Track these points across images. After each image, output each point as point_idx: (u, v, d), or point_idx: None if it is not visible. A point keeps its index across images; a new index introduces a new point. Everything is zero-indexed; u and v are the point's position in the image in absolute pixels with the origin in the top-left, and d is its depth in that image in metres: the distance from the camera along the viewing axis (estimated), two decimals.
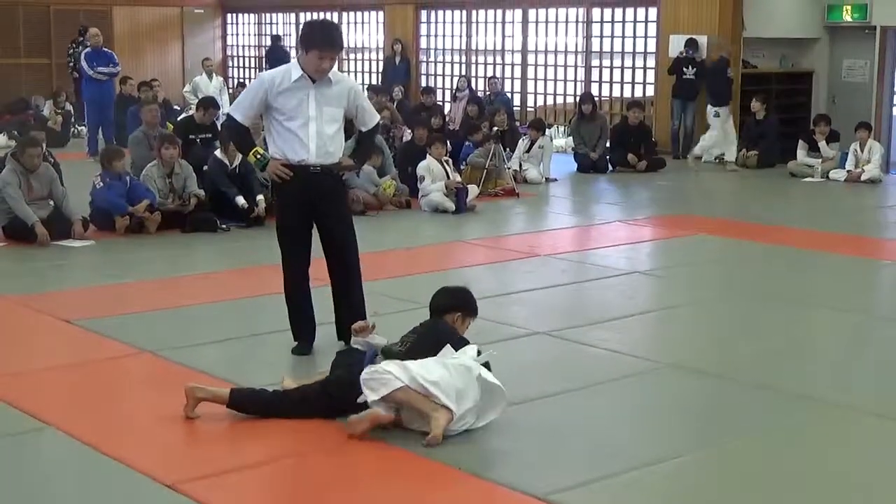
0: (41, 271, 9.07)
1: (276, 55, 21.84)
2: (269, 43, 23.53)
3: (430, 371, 5.12)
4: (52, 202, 10.29)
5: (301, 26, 6.37)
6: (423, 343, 5.44)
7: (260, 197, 10.96)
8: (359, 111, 6.50)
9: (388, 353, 5.52)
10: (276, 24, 24.80)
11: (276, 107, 6.24)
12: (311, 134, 6.24)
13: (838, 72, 18.29)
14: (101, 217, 10.50)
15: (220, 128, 13.45)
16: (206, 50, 24.20)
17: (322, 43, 6.17)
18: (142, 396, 6.10)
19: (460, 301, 5.69)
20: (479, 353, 5.32)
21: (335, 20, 23.07)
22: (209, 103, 13.19)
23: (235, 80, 24.06)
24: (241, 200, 10.81)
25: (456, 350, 5.30)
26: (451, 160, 12.57)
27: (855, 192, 13.92)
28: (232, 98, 20.04)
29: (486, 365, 5.28)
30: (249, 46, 25.45)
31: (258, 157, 6.40)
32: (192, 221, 10.64)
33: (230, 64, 25.76)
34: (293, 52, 23.34)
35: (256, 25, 25.23)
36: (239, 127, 6.42)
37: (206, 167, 11.23)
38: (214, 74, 21.08)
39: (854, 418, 5.56)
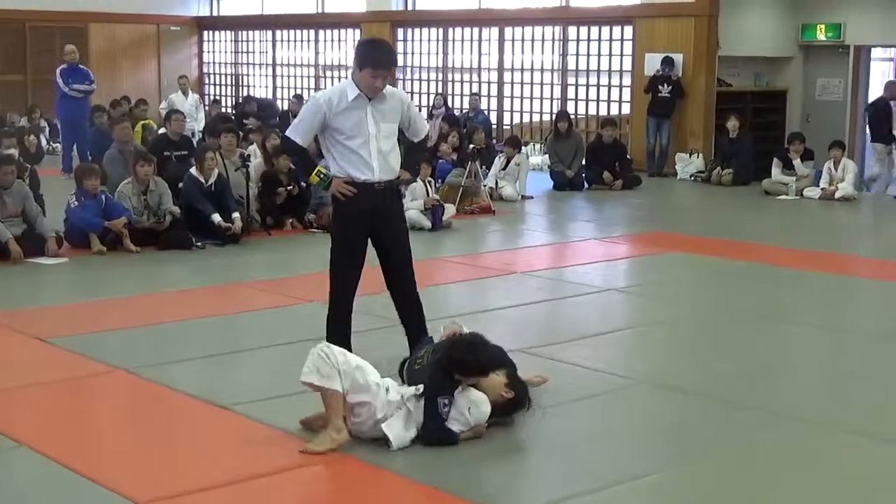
0: (14, 289, 9.02)
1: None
2: (239, 61, 23.54)
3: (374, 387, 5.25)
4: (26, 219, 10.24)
5: (356, 44, 6.42)
6: (424, 377, 5.45)
7: (236, 214, 10.95)
8: (411, 123, 6.54)
9: (410, 364, 5.76)
10: (253, 41, 24.80)
11: (336, 127, 6.24)
12: (372, 152, 6.26)
13: (812, 90, 18.43)
14: (75, 235, 10.46)
15: (195, 145, 13.47)
16: (183, 67, 24.14)
17: (375, 61, 6.19)
18: (116, 414, 6.08)
19: (482, 373, 5.46)
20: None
21: (311, 38, 23.16)
22: (171, 112, 13.62)
23: (210, 98, 24.01)
24: (216, 218, 10.78)
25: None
26: (431, 181, 12.57)
27: (829, 210, 14.00)
28: (208, 115, 20.01)
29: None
30: (226, 64, 25.44)
31: (321, 176, 6.37)
32: (167, 239, 10.60)
33: (206, 81, 25.73)
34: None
35: (233, 43, 25.21)
36: (299, 149, 6.43)
37: (181, 184, 11.20)
38: (190, 92, 21.05)
39: (830, 435, 5.58)
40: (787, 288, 9.36)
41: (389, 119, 6.35)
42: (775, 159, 15.34)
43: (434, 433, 5.23)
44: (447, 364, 5.37)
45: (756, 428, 5.69)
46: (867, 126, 16.16)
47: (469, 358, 5.39)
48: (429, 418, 5.24)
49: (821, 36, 17.91)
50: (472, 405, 5.33)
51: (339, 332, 6.49)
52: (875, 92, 18.64)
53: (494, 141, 17.49)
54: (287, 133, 6.49)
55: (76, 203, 10.45)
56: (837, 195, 14.46)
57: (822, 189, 14.69)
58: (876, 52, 18.78)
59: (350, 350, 6.47)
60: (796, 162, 15.07)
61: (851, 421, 5.76)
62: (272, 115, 17.89)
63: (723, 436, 5.58)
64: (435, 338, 6.15)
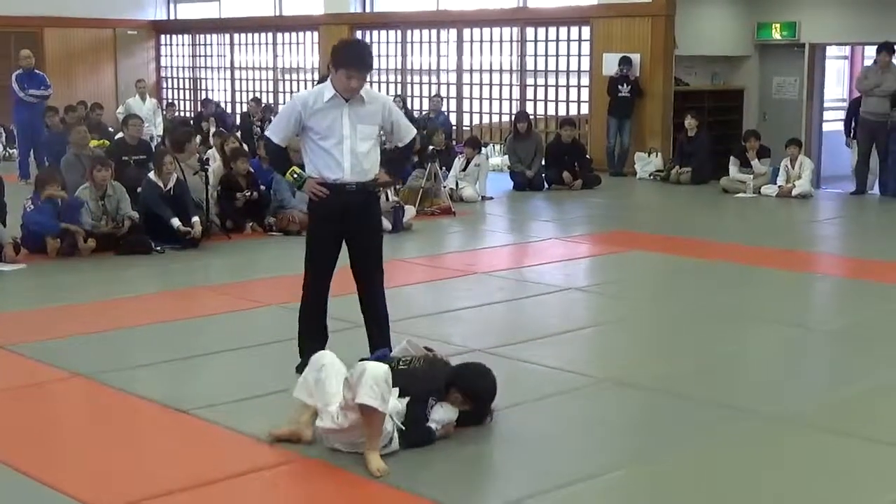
0: None
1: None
2: (197, 64, 23.37)
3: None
4: None
5: (333, 45, 6.45)
6: (413, 378, 5.42)
7: (195, 219, 10.88)
8: (394, 127, 6.53)
9: (388, 364, 5.55)
10: (211, 45, 24.69)
11: (311, 126, 6.28)
12: (344, 152, 6.27)
13: (769, 89, 18.58)
14: (32, 240, 10.37)
15: (153, 149, 13.39)
16: (140, 71, 23.96)
17: (350, 62, 6.20)
18: (76, 420, 6.04)
19: (481, 402, 5.57)
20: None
21: (269, 41, 23.08)
22: (129, 117, 13.47)
23: (165, 102, 23.85)
24: (176, 222, 10.72)
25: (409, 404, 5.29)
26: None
27: (786, 208, 14.11)
28: (166, 120, 19.91)
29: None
30: (183, 68, 25.31)
31: (295, 176, 6.39)
32: (126, 244, 10.54)
33: (164, 85, 25.57)
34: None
35: (190, 47, 25.08)
36: (276, 148, 6.46)
37: (139, 189, 11.12)
38: (148, 96, 20.95)
39: (789, 430, 5.62)
40: (745, 285, 9.43)
41: (367, 122, 6.34)
42: (732, 157, 15.44)
43: (418, 434, 5.23)
44: (455, 381, 5.47)
45: (717, 424, 5.72)
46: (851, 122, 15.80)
47: (481, 384, 5.55)
48: (416, 419, 5.23)
49: (776, 35, 18.06)
50: (445, 407, 5.40)
51: (312, 329, 6.53)
52: (830, 90, 18.87)
53: (454, 142, 17.51)
54: (266, 133, 6.56)
55: (32, 207, 10.37)
56: (794, 192, 14.58)
57: (779, 186, 14.81)
58: (831, 51, 18.97)
59: (325, 347, 6.51)
60: (754, 161, 15.16)
61: (811, 416, 5.81)
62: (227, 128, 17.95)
63: (684, 432, 5.61)
64: (393, 350, 6.08)
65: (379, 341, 6.57)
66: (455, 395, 5.44)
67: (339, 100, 6.24)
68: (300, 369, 6.45)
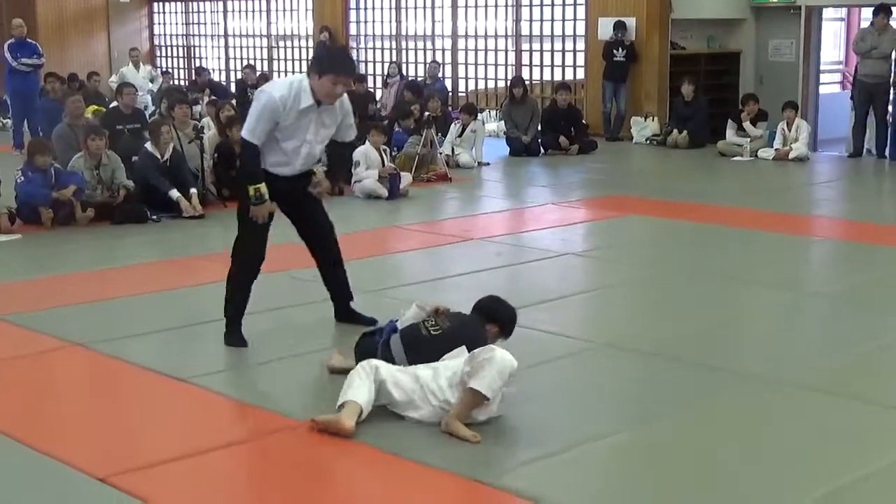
0: None
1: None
2: (191, 32, 23.24)
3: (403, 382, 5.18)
4: None
5: (315, 50, 6.37)
6: (456, 334, 5.42)
7: (193, 190, 10.85)
8: (342, 125, 6.49)
9: (413, 332, 5.58)
10: (204, 12, 24.54)
11: (280, 125, 6.18)
12: (301, 155, 6.27)
13: (765, 52, 18.47)
14: (27, 210, 10.33)
15: (148, 118, 13.33)
16: (133, 40, 23.86)
17: (339, 68, 6.13)
18: (73, 389, 6.04)
19: (506, 318, 5.66)
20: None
21: (263, 7, 22.95)
22: (122, 86, 13.35)
23: (160, 70, 23.74)
24: (175, 194, 10.66)
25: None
26: (387, 149, 12.53)
27: (783, 171, 14.08)
28: (161, 90, 19.80)
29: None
30: (177, 36, 25.17)
31: (258, 193, 6.19)
32: (122, 213, 10.50)
33: (158, 54, 25.45)
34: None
35: (183, 14, 24.94)
36: (257, 151, 6.21)
37: (135, 159, 11.06)
38: (142, 64, 20.82)
39: (787, 393, 5.62)
40: (743, 248, 9.41)
41: (329, 124, 6.34)
42: (729, 121, 15.41)
43: None
44: (490, 316, 5.60)
45: (715, 387, 5.72)
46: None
47: (508, 309, 5.67)
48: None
49: None
50: None
51: (244, 298, 6.49)
52: (827, 53, 18.76)
53: (450, 108, 17.44)
54: (243, 135, 6.27)
55: (23, 178, 10.33)
56: (791, 155, 14.55)
57: (776, 150, 14.77)
58: (827, 13, 18.85)
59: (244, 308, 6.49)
60: (746, 124, 15.11)
61: (809, 378, 5.81)
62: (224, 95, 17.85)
63: (683, 395, 5.61)
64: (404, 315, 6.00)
65: (344, 298, 6.70)
66: (493, 330, 5.56)
67: (315, 107, 6.17)
68: (229, 341, 6.41)
